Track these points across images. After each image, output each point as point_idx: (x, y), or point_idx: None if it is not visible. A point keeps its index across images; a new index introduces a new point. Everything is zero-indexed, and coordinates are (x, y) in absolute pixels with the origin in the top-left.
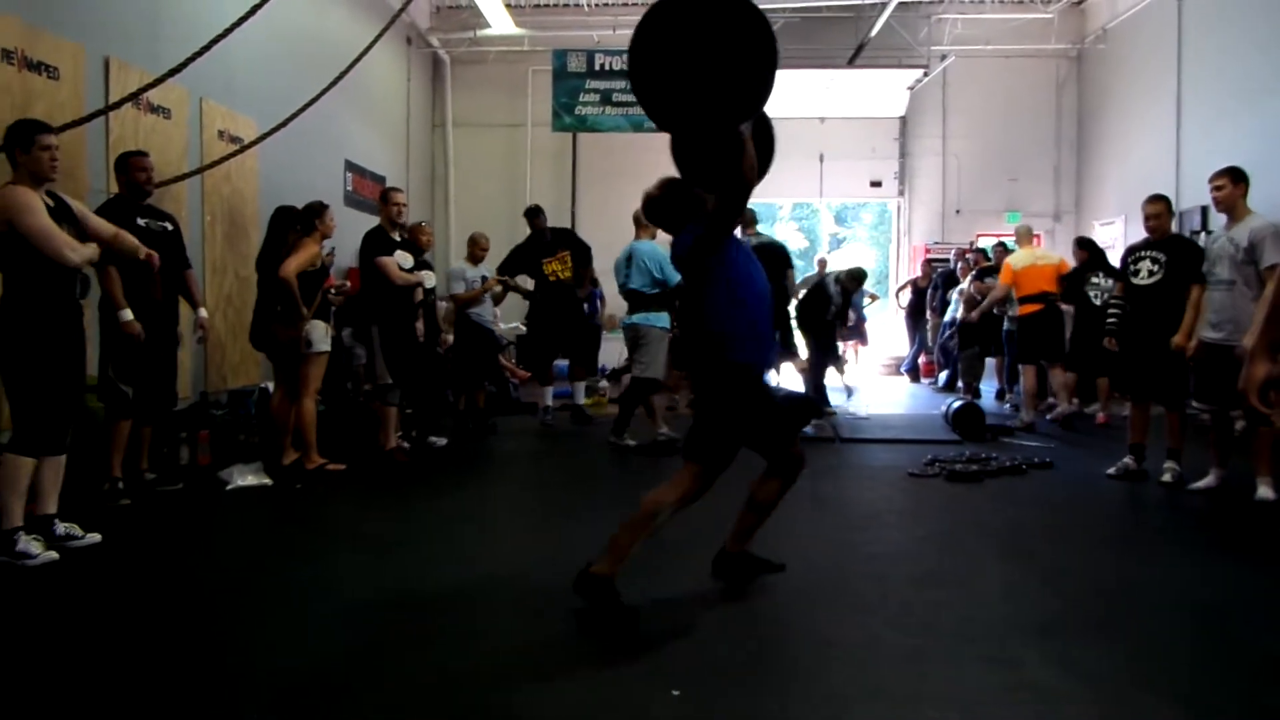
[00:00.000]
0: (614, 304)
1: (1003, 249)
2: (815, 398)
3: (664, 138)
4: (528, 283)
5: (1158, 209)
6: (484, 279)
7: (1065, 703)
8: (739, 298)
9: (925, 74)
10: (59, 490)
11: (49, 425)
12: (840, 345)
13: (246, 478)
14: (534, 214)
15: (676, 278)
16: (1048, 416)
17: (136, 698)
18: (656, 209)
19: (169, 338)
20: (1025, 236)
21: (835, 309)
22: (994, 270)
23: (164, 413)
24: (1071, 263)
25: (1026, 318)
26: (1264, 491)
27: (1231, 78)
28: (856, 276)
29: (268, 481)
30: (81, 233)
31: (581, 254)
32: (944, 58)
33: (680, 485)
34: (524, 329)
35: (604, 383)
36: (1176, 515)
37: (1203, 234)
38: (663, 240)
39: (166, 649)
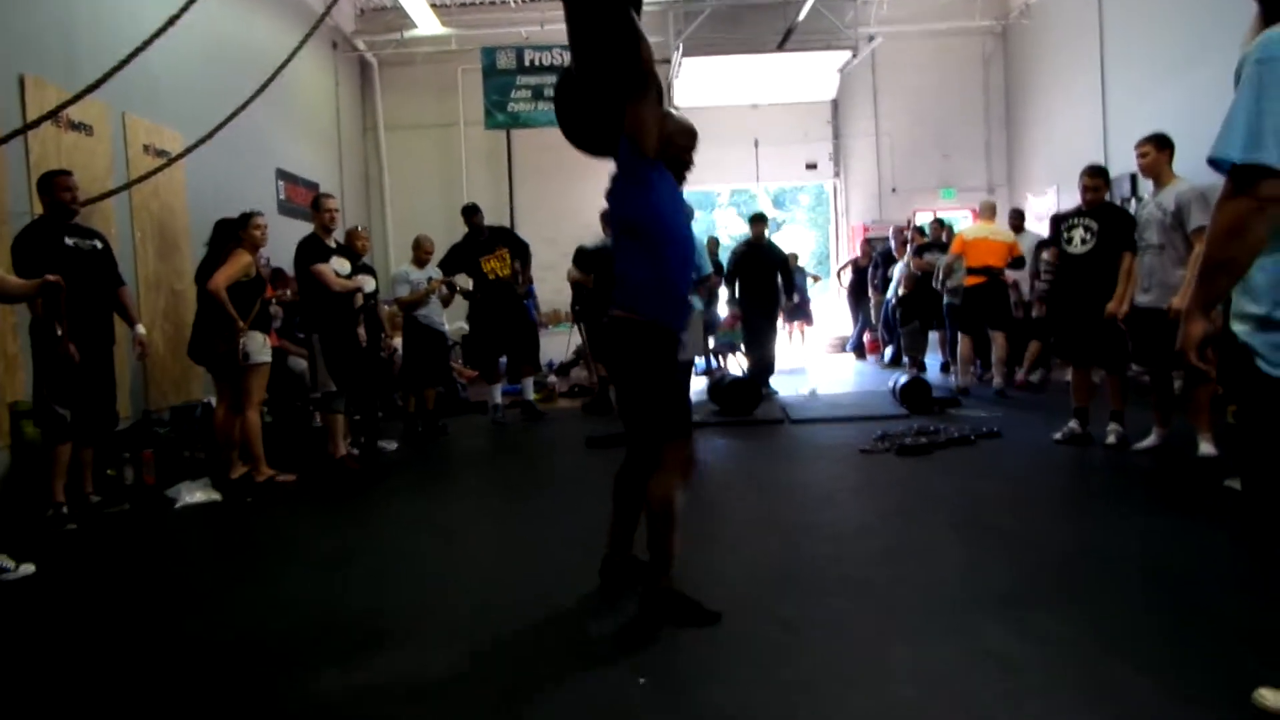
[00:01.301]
0: (556, 300)
1: (939, 225)
2: (760, 376)
3: None
4: (467, 282)
5: (1097, 181)
6: (430, 280)
7: (1029, 671)
8: (658, 245)
9: (854, 56)
10: None
11: None
12: (785, 326)
13: (195, 494)
14: (471, 212)
15: (708, 267)
16: (993, 385)
17: None
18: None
19: (104, 357)
20: (988, 211)
21: (734, 263)
22: (932, 246)
23: (104, 433)
24: (1024, 246)
25: (971, 289)
26: (1205, 448)
27: (1155, 46)
28: (756, 219)
29: (217, 497)
30: None
31: (520, 251)
32: (871, 39)
33: (674, 465)
34: (466, 328)
35: (552, 377)
36: (1124, 476)
37: (1133, 201)
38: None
39: (113, 678)
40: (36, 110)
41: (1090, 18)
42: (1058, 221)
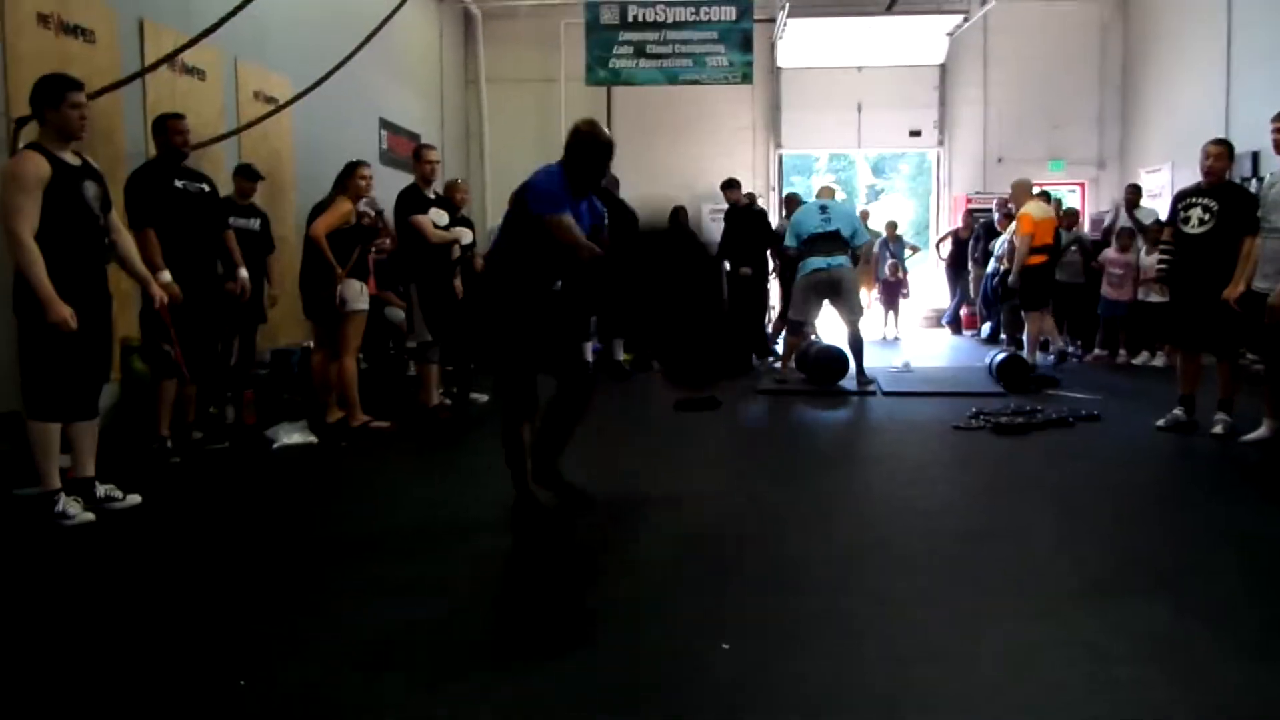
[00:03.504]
0: None
1: (1045, 197)
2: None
3: (699, 91)
4: None
5: (1220, 150)
6: None
7: (1121, 662)
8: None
9: (965, 19)
10: (95, 453)
11: (71, 390)
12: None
13: (293, 436)
14: None
15: (866, 236)
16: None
17: (170, 659)
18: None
19: (208, 297)
20: (1026, 191)
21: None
22: None
23: (208, 372)
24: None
25: (1035, 267)
26: None
27: None
28: (727, 184)
29: (313, 439)
30: (107, 197)
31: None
32: (984, 2)
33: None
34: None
35: None
36: (1230, 467)
37: (1254, 180)
38: None
39: (205, 611)
40: (154, 54)
41: None
42: (1177, 200)
